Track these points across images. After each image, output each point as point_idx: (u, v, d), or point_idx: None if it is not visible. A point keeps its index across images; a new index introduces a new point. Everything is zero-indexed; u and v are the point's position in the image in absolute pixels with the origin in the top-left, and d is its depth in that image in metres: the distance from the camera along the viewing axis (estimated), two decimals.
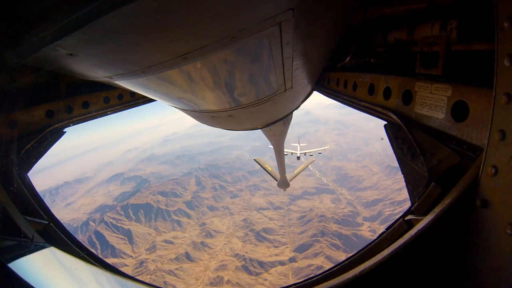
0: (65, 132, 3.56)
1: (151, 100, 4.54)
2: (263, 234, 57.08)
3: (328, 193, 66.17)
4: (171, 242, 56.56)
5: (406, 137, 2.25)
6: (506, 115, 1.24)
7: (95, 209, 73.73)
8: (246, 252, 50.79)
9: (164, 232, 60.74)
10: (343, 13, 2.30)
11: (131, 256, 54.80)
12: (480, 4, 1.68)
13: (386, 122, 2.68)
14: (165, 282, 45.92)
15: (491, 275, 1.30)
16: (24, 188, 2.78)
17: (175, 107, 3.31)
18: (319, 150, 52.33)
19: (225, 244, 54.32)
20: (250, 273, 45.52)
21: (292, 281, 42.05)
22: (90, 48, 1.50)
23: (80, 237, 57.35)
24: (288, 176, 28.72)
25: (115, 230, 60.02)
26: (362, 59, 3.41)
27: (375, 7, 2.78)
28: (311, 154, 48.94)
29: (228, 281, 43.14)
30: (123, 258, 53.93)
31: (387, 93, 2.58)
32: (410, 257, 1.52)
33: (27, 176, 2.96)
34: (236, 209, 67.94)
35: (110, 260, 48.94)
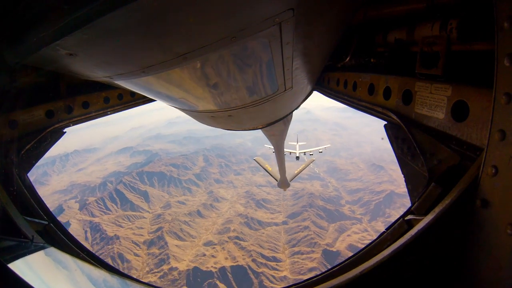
0: (65, 132, 3.56)
1: (151, 100, 4.54)
2: (262, 203, 68.42)
3: (318, 180, 77.58)
4: (183, 203, 68.28)
5: (406, 137, 2.25)
6: (506, 115, 1.24)
7: (108, 175, 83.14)
8: (248, 213, 63.51)
9: (176, 196, 72.44)
10: (343, 13, 2.30)
11: (148, 211, 65.04)
12: (480, 4, 1.68)
13: (386, 122, 2.68)
14: (181, 229, 57.58)
15: (491, 275, 1.30)
16: (24, 188, 2.78)
17: (175, 107, 3.31)
18: (319, 149, 50.43)
19: (230, 208, 66.75)
20: (250, 228, 58.55)
21: (284, 236, 55.66)
22: (90, 48, 1.50)
23: (98, 195, 68.65)
24: (288, 175, 28.76)
25: (132, 191, 71.01)
26: (362, 59, 3.41)
27: (375, 7, 2.78)
28: (311, 153, 47.31)
29: (234, 230, 55.98)
30: (141, 212, 64.36)
31: (387, 93, 2.57)
32: (410, 257, 1.52)
33: (27, 176, 2.95)
34: (239, 184, 79.57)
35: (129, 213, 62.42)
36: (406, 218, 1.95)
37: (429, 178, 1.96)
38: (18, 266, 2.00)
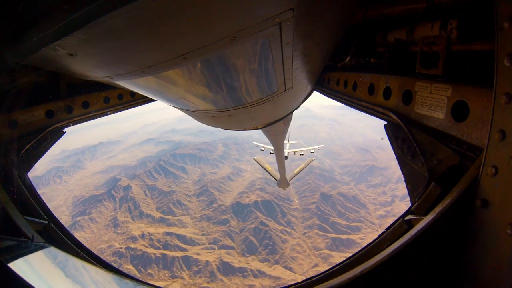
0: (65, 132, 3.56)
1: (151, 100, 4.54)
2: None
3: (316, 159, 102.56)
4: (215, 173, 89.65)
5: (406, 137, 2.25)
6: (506, 115, 1.24)
7: (142, 158, 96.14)
8: (266, 177, 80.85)
9: (207, 169, 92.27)
10: (343, 13, 2.30)
11: (188, 179, 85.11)
12: (480, 4, 1.68)
13: (386, 122, 2.68)
14: (219, 186, 79.82)
15: (491, 275, 1.30)
16: (24, 188, 2.78)
17: (175, 107, 3.31)
18: (311, 149, 47.46)
19: (251, 175, 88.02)
20: (269, 185, 78.17)
21: (293, 190, 76.41)
22: (90, 48, 1.50)
23: (140, 171, 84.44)
24: (288, 175, 28.81)
25: (171, 166, 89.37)
26: (362, 59, 3.41)
27: (375, 7, 2.78)
28: (302, 153, 44.46)
29: (258, 185, 79.08)
30: (182, 180, 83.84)
31: (387, 93, 2.57)
32: (410, 257, 1.52)
33: (27, 176, 2.96)
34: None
35: (172, 181, 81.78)
36: (406, 218, 1.96)
37: (429, 178, 1.96)
38: (18, 266, 2.00)
